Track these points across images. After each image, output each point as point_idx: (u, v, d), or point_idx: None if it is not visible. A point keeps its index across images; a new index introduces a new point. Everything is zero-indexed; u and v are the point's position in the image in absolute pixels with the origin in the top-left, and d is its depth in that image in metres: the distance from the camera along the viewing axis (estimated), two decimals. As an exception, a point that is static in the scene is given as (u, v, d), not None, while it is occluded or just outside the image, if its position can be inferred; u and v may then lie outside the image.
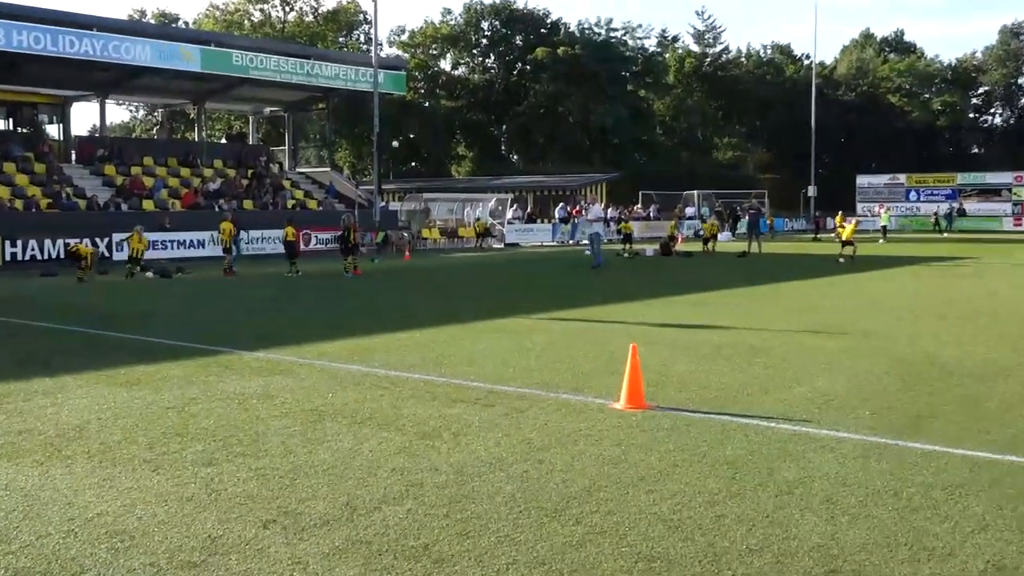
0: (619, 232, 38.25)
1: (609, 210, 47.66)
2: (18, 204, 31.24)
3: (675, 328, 13.17)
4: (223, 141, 53.40)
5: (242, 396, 8.55)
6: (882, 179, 63.69)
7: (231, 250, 25.00)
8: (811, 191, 62.48)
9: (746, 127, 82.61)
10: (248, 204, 36.15)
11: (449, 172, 76.81)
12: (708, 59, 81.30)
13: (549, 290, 20.06)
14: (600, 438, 6.99)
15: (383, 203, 46.38)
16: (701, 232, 37.54)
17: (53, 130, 39.37)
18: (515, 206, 47.41)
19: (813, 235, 48.60)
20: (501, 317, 14.55)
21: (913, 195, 61.73)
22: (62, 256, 27.30)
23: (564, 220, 46.82)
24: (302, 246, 34.04)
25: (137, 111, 73.29)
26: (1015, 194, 57.92)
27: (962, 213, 58.34)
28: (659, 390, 8.64)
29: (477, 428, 7.30)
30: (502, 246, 42.42)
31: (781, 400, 8.29)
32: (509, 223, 44.73)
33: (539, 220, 48.86)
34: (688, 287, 20.17)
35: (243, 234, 26.96)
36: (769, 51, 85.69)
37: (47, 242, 28.39)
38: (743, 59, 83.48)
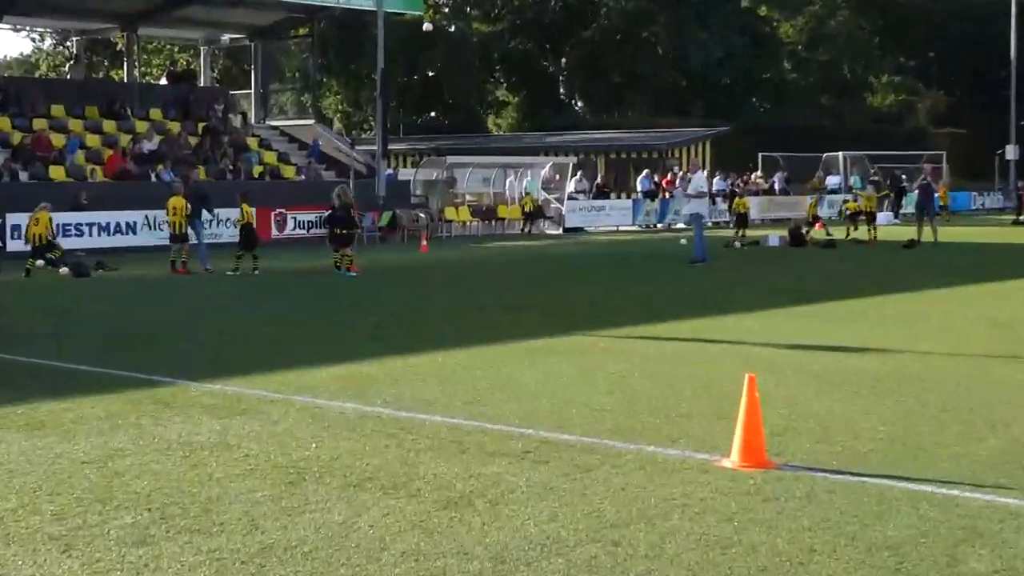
0: (730, 212, 38.14)
1: (715, 179, 47.52)
2: None
3: (811, 351, 13.07)
4: (163, 82, 54.01)
5: (189, 446, 8.62)
6: (1116, 134, 62.67)
7: (185, 237, 25.11)
8: (1010, 152, 61.70)
9: (915, 60, 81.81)
10: (199, 171, 36.53)
11: (484, 126, 77.09)
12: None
13: (628, 296, 20.00)
14: (703, 510, 6.94)
15: (390, 170, 46.49)
16: (846, 210, 37.24)
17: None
18: (579, 174, 47.46)
19: (1014, 216, 47.98)
20: (559, 334, 14.55)
21: None
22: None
23: (650, 195, 46.81)
24: (275, 232, 34.50)
25: (42, 40, 74.61)
26: None
27: None
28: (788, 440, 8.57)
29: (524, 494, 7.28)
30: (560, 231, 42.49)
31: (966, 456, 8.18)
32: (571, 198, 44.84)
33: (614, 194, 48.86)
34: (830, 292, 20.00)
35: (206, 213, 26.55)
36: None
37: (-83, 226, 28.95)
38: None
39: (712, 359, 12.53)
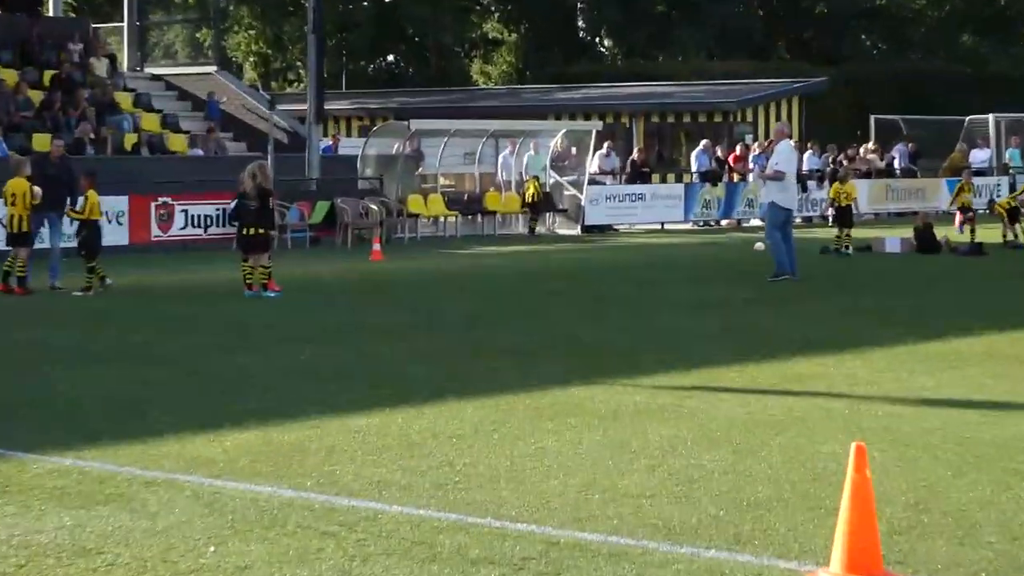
0: (831, 203, 38.01)
1: (807, 154, 47.48)
2: None
3: (947, 409, 13.04)
4: (-7, 11, 54.03)
5: (26, 549, 8.56)
6: None
7: (29, 238, 24.92)
8: None
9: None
10: (42, 141, 36.44)
11: (466, 77, 77.06)
12: None
13: (678, 328, 20.00)
14: (788, 647, 6.90)
15: (327, 140, 46.43)
16: (1002, 208, 37.26)
17: None
18: (605, 146, 47.42)
19: None
20: (576, 384, 14.53)
21: None
22: None
23: (710, 177, 46.68)
24: (156, 232, 34.41)
25: None
26: None
27: None
28: (916, 541, 8.55)
29: (523, 622, 7.23)
30: (577, 231, 42.44)
31: None
32: (594, 182, 44.81)
33: (656, 176, 48.77)
34: (976, 321, 19.99)
35: (73, 203, 26.24)
36: None
37: None
38: None
39: (800, 421, 12.48)
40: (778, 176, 26.52)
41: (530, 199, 41.78)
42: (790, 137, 30.59)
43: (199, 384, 15.04)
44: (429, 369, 15.87)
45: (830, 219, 36.76)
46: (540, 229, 41.91)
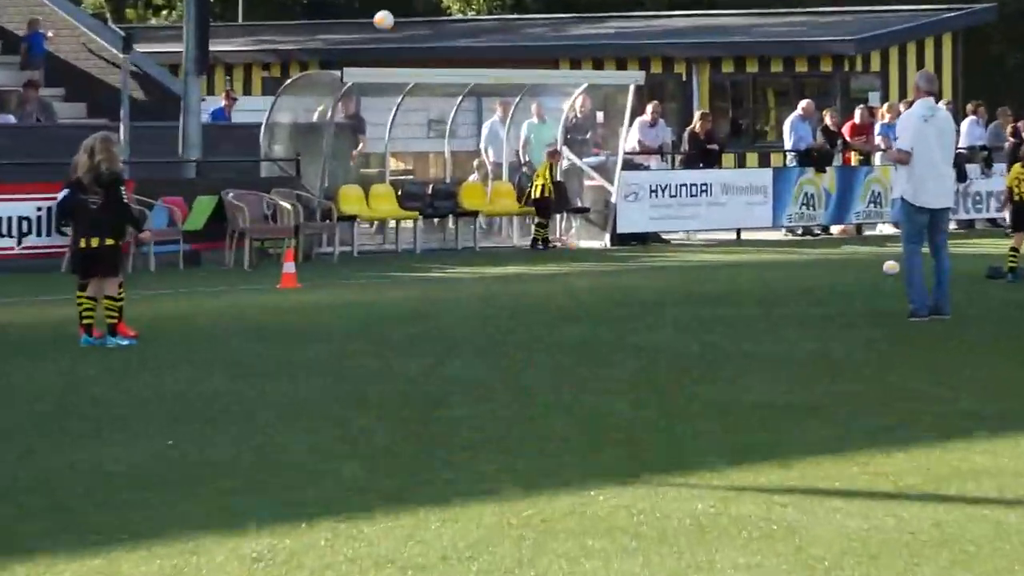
0: (1005, 197, 38.02)
1: (968, 123, 47.66)
2: None
3: None
4: None
5: None
6: None
7: None
8: None
9: None
10: None
11: (432, 2, 77.40)
12: None
13: (763, 398, 20.08)
14: None
15: (214, 101, 46.59)
16: None
17: None
18: (649, 111, 47.57)
19: None
20: (602, 485, 14.50)
21: None
22: None
23: (814, 158, 46.76)
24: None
25: None
26: None
27: None
28: None
29: None
30: (605, 243, 42.58)
31: None
32: (631, 166, 44.91)
33: (731, 157, 48.97)
34: None
35: None
36: None
37: None
38: None
39: (955, 541, 12.33)
40: (901, 158, 26.14)
41: (537, 194, 41.78)
42: (934, 96, 29.90)
43: (7, 490, 14.96)
44: (369, 464, 15.83)
45: (1006, 222, 36.35)
46: (552, 240, 42.03)
